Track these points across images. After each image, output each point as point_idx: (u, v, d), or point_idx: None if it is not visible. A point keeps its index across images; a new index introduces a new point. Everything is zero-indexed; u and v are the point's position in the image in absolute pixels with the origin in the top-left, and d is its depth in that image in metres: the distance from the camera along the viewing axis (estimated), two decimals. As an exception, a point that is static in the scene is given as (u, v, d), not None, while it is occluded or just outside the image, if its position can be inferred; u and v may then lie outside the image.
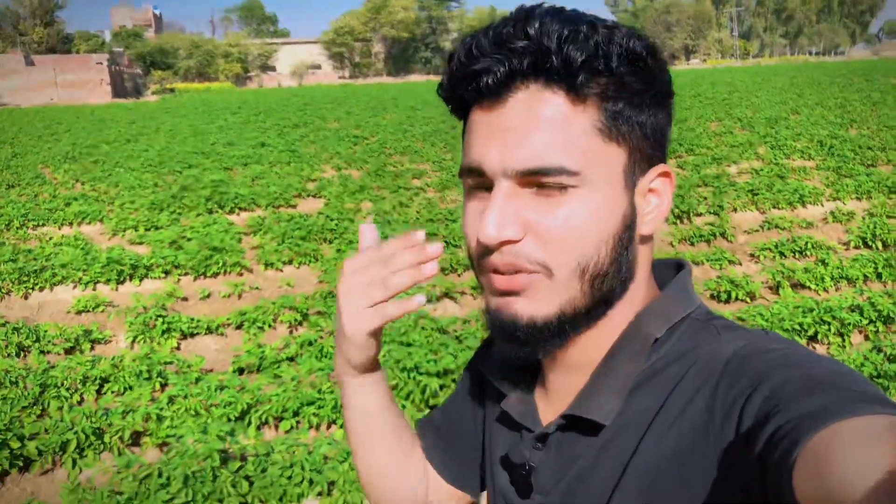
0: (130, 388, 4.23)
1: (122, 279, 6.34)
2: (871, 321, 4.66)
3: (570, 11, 0.61)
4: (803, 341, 4.54)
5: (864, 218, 7.45)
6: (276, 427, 3.83)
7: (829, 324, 4.55)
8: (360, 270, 0.68)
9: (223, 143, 14.60)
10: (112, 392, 4.21)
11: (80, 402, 4.20)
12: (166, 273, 6.42)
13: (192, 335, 5.27)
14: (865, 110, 15.38)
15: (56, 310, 6.02)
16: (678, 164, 10.41)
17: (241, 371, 4.52)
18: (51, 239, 7.67)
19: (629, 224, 0.63)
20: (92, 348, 5.12)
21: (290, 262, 6.74)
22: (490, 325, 0.66)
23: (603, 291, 0.63)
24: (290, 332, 5.31)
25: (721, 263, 6.33)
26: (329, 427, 3.80)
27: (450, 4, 68.10)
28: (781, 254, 6.47)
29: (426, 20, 65.04)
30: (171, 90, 46.62)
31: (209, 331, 5.30)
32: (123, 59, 51.11)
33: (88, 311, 5.80)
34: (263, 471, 3.15)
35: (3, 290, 6.19)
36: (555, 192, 0.60)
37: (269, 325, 5.30)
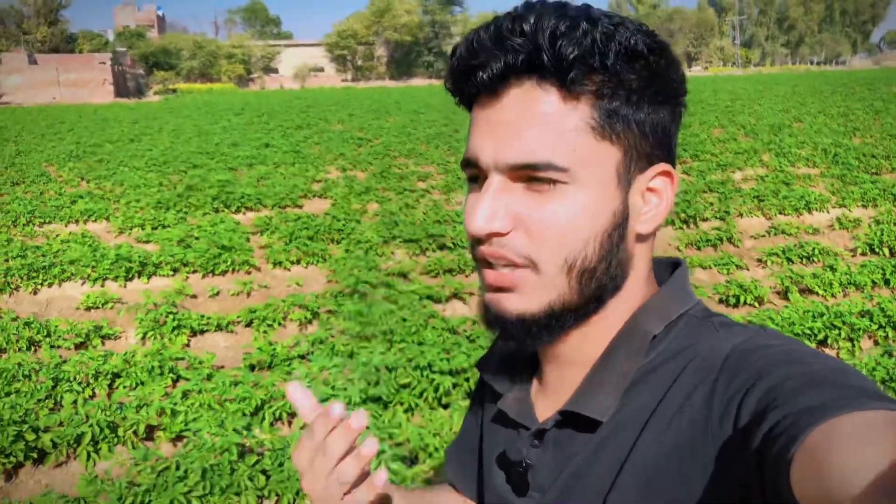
0: (142, 383, 4.23)
1: (130, 276, 6.35)
2: (880, 326, 4.68)
3: (575, 7, 0.61)
4: (813, 345, 4.56)
5: (870, 225, 7.47)
6: (290, 423, 3.84)
7: (839, 328, 4.57)
8: (309, 468, 0.66)
9: (227, 143, 14.62)
10: (124, 387, 4.22)
11: (91, 397, 4.21)
12: (175, 271, 6.43)
13: (202, 332, 5.27)
14: (868, 119, 15.43)
15: (64, 306, 6.02)
16: (684, 169, 10.43)
17: (251, 368, 4.53)
18: (58, 236, 7.67)
19: (620, 222, 0.63)
20: (102, 344, 5.13)
21: (298, 261, 6.75)
22: (483, 320, 0.68)
23: (592, 288, 0.63)
24: (300, 330, 5.32)
25: (728, 268, 6.35)
26: (342, 424, 3.81)
27: (453, 9, 68.28)
28: (789, 259, 6.49)
29: (429, 24, 65.19)
30: (174, 91, 46.68)
31: (219, 328, 5.31)
32: (126, 59, 51.17)
33: (98, 307, 5.81)
34: (280, 465, 3.16)
35: (11, 286, 6.19)
36: (545, 188, 0.61)
37: (279, 323, 5.31)
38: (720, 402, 0.57)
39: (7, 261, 6.52)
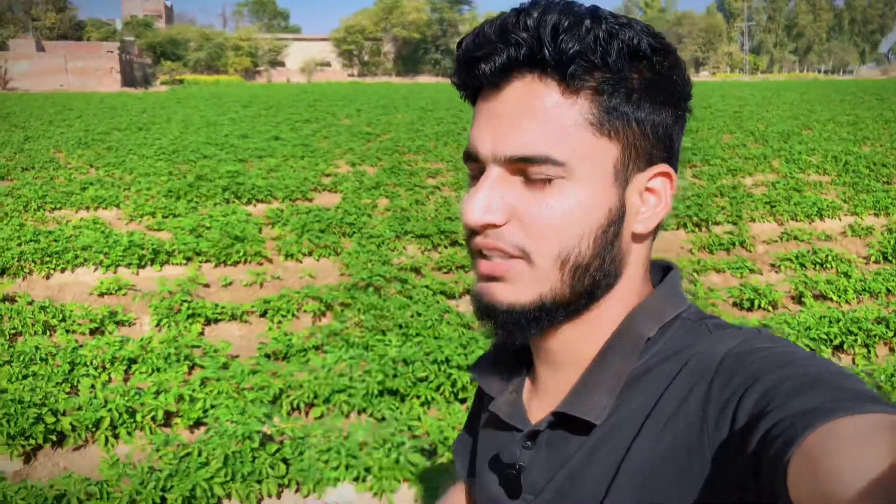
0: (158, 369, 4.24)
1: (143, 263, 6.35)
2: None
3: (582, 6, 0.61)
4: (828, 351, 4.56)
5: (883, 233, 7.47)
6: (307, 413, 3.84)
7: (855, 334, 4.57)
8: None
9: (236, 135, 14.62)
10: (140, 373, 4.22)
11: (107, 382, 4.21)
12: (188, 259, 6.43)
13: (216, 321, 5.28)
14: (878, 128, 15.40)
15: (77, 291, 6.02)
16: (694, 173, 10.43)
17: (267, 357, 4.53)
18: (69, 222, 7.68)
19: (616, 219, 0.63)
20: (116, 330, 5.13)
21: (310, 253, 6.75)
22: (474, 309, 0.67)
23: (585, 284, 0.63)
24: (314, 321, 5.32)
25: (742, 272, 6.35)
26: (359, 414, 3.82)
27: (461, 7, 68.24)
28: (802, 265, 6.49)
29: (437, 22, 65.16)
30: (180, 81, 46.67)
31: (233, 317, 5.31)
32: (134, 49, 51.16)
33: (111, 293, 5.81)
34: (301, 454, 3.17)
35: (25, 270, 6.20)
36: (542, 182, 0.61)
37: (293, 314, 5.31)
38: (716, 404, 0.56)
39: (20, 245, 6.52)
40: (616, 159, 0.62)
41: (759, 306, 5.50)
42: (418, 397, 3.89)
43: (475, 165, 0.65)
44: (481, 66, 0.62)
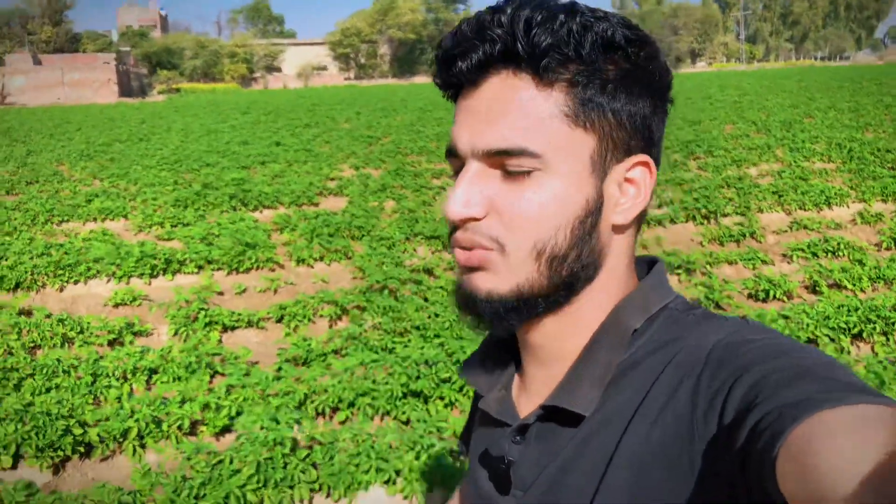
0: (179, 378, 4.25)
1: (155, 273, 6.36)
2: (913, 320, 4.68)
3: (557, 2, 0.62)
4: (847, 339, 4.56)
5: (893, 219, 7.47)
6: (332, 417, 3.85)
7: (874, 322, 4.57)
8: None
9: (237, 142, 14.62)
10: (162, 382, 4.23)
11: (130, 392, 4.22)
12: (199, 268, 6.44)
13: (233, 328, 5.29)
14: (879, 114, 15.38)
15: (91, 303, 6.04)
16: (699, 165, 10.43)
17: (287, 363, 4.54)
18: (78, 234, 7.69)
19: (593, 210, 0.63)
20: (134, 340, 5.15)
21: (322, 258, 6.76)
22: (455, 300, 0.68)
23: (563, 275, 0.63)
24: (330, 325, 5.33)
25: (754, 263, 6.35)
26: (383, 418, 3.82)
27: (456, 7, 68.22)
28: (814, 254, 6.49)
29: (433, 22, 65.09)
30: (177, 90, 46.67)
31: (249, 324, 5.32)
32: (130, 59, 51.17)
33: (125, 304, 5.82)
34: (331, 458, 3.17)
35: (38, 283, 6.21)
36: (520, 175, 0.62)
37: (309, 319, 5.32)
38: (705, 397, 0.56)
39: (32, 258, 6.53)
40: (593, 150, 0.62)
41: (775, 297, 5.51)
42: (442, 398, 3.89)
43: (456, 161, 0.66)
44: (459, 64, 0.63)
